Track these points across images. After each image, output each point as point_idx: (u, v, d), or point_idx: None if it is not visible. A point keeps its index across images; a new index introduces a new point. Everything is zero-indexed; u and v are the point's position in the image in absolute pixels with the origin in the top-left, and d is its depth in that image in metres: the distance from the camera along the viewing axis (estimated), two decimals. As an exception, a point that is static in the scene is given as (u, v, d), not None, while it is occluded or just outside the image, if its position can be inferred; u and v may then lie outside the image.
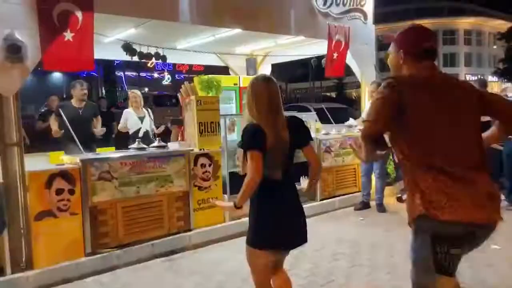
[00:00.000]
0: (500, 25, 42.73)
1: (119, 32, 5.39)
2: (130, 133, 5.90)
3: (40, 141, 7.26)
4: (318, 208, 5.61)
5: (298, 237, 2.33)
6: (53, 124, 5.34)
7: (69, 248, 3.71)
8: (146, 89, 25.52)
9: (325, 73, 6.04)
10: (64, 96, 21.00)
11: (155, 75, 26.54)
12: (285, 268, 2.50)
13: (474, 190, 1.77)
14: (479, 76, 44.20)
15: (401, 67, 1.99)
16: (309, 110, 10.49)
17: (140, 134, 5.71)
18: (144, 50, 5.29)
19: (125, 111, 6.05)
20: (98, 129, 5.51)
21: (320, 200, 5.73)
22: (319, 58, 6.29)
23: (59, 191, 3.67)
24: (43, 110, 8.05)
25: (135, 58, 5.14)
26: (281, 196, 2.26)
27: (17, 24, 3.44)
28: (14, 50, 3.40)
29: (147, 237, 4.15)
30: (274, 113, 2.24)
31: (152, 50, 5.49)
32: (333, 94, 35.79)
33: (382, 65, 5.62)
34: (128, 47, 4.93)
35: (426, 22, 43.06)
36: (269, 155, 2.19)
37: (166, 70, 24.42)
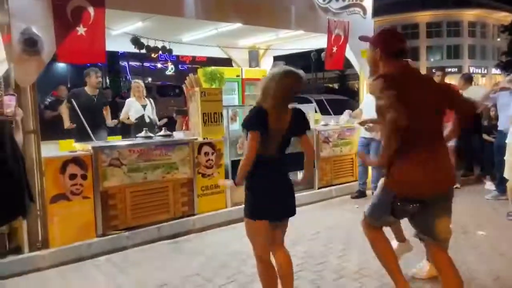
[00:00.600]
0: (504, 17, 42.48)
1: (126, 26, 5.60)
2: (133, 120, 6.12)
3: (48, 129, 7.49)
4: (316, 196, 5.86)
5: (289, 209, 2.59)
6: (64, 113, 5.57)
7: (82, 229, 3.99)
8: (150, 79, 25.69)
9: (324, 66, 6.24)
10: (69, 85, 21.28)
11: (159, 65, 26.68)
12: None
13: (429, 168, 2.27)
14: (482, 69, 44.20)
15: (377, 63, 2.37)
16: (309, 101, 10.68)
17: (147, 120, 5.96)
18: (151, 43, 5.50)
19: (128, 100, 6.27)
20: (109, 121, 5.75)
21: (318, 189, 5.98)
22: (318, 51, 6.48)
23: (72, 176, 3.93)
24: (50, 100, 8.23)
25: (143, 51, 5.35)
26: (274, 171, 2.52)
27: (34, 19, 3.66)
28: (31, 44, 3.63)
29: (154, 221, 4.42)
30: (284, 102, 2.50)
31: (159, 44, 5.69)
32: (336, 86, 35.88)
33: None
34: (136, 41, 5.16)
35: (430, 14, 43.08)
36: (269, 134, 2.45)
37: (169, 61, 24.53)
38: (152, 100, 6.47)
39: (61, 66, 26.51)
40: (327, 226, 4.69)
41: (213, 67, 5.82)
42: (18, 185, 2.63)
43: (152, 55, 6.68)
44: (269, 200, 2.50)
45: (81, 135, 4.97)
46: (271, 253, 2.62)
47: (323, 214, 5.31)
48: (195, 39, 6.74)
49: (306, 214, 5.25)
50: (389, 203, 2.44)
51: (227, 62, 8.72)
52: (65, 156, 3.94)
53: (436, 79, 6.63)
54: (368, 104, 5.48)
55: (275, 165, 2.53)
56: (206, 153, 4.90)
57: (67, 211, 3.91)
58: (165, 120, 6.62)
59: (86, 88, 5.59)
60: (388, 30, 2.47)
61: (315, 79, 34.25)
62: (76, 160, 3.95)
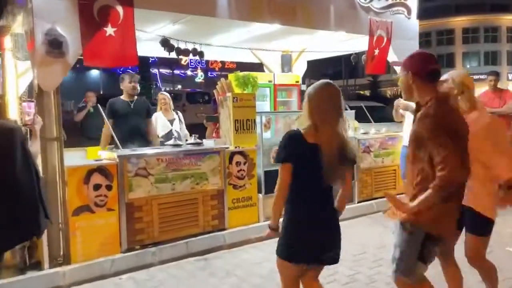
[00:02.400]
0: (545, 22, 40.48)
1: (157, 28, 5.37)
2: (160, 137, 5.56)
3: (77, 136, 7.42)
4: (356, 211, 5.40)
5: (326, 254, 2.24)
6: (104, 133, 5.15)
7: (105, 244, 3.71)
8: (179, 86, 25.89)
9: (365, 71, 5.81)
10: (101, 92, 21.69)
11: (188, 72, 26.84)
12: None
13: None
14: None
15: (410, 87, 2.22)
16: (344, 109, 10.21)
17: (174, 135, 5.57)
18: (182, 46, 5.22)
19: (154, 114, 5.63)
20: (153, 134, 5.14)
21: (358, 202, 5.52)
22: (358, 54, 6.06)
23: (96, 187, 3.67)
24: (80, 106, 8.20)
25: (173, 54, 5.07)
26: (313, 208, 2.18)
27: (58, 19, 3.45)
28: (56, 45, 3.41)
29: (182, 235, 4.11)
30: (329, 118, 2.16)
31: (189, 46, 5.41)
32: (367, 93, 34.98)
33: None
34: (166, 42, 4.88)
35: (466, 19, 41.62)
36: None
37: (199, 68, 24.62)
38: (180, 114, 5.95)
39: (94, 72, 27.18)
40: (372, 245, 4.23)
41: (245, 72, 5.51)
42: (30, 202, 2.36)
43: (182, 61, 6.42)
44: (301, 242, 2.20)
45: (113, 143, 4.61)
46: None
47: (366, 231, 4.85)
48: (227, 42, 6.48)
49: (347, 231, 4.73)
50: (419, 246, 2.18)
51: (258, 67, 8.41)
52: (89, 165, 3.68)
53: (489, 84, 6.08)
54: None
55: (317, 198, 2.20)
56: (238, 163, 4.56)
57: (90, 224, 3.64)
58: (196, 137, 5.17)
59: (122, 96, 5.02)
60: (419, 53, 2.35)
61: (346, 86, 33.57)
62: (100, 170, 3.69)
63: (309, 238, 2.17)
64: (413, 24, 6.15)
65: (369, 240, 4.43)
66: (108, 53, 3.64)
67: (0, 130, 2.32)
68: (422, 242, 2.17)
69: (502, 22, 42.64)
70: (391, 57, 5.91)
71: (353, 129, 5.68)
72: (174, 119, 5.76)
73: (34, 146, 2.64)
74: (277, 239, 2.29)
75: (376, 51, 5.61)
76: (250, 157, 4.63)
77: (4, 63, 5.33)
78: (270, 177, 4.74)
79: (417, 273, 2.24)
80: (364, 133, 5.93)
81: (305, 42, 6.99)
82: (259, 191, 4.74)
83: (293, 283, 2.31)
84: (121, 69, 27.12)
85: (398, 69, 2.48)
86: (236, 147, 4.60)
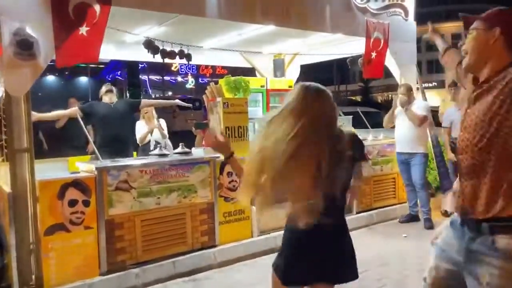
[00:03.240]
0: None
1: (141, 31, 5.06)
2: (139, 146, 5.47)
3: (59, 145, 7.04)
4: (355, 222, 5.09)
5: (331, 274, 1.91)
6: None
7: (83, 266, 3.35)
8: (170, 93, 25.52)
9: (363, 75, 5.54)
10: (90, 99, 21.20)
11: (179, 78, 26.53)
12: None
13: None
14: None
15: (488, 50, 1.58)
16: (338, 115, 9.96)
17: (151, 147, 5.28)
18: (168, 48, 4.89)
19: (137, 123, 5.55)
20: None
21: (357, 213, 5.22)
22: (354, 58, 5.81)
23: (72, 203, 3.32)
24: (64, 112, 7.82)
25: (158, 57, 4.75)
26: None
27: (29, 18, 3.11)
28: (25, 46, 3.07)
29: (168, 254, 3.76)
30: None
31: (176, 48, 5.10)
32: (358, 98, 34.92)
33: (428, 66, 5.09)
34: (150, 44, 4.56)
35: (457, 25, 41.76)
36: None
37: (190, 74, 24.35)
38: (162, 122, 5.71)
39: (82, 79, 26.69)
40: (375, 262, 3.92)
41: (237, 76, 5.21)
42: None
43: (173, 68, 6.16)
44: (297, 262, 1.92)
45: (104, 152, 4.30)
46: None
47: (367, 245, 4.53)
48: (217, 45, 6.19)
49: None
50: None
51: (250, 72, 8.13)
52: (63, 179, 3.32)
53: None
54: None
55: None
56: (230, 173, 4.23)
57: (65, 244, 3.28)
58: (183, 145, 4.59)
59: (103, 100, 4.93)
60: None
61: (337, 92, 33.44)
62: (76, 183, 3.34)
63: (307, 257, 1.89)
64: (411, 26, 5.92)
65: (370, 255, 4.12)
66: (76, 53, 3.33)
67: None
68: None
69: None
70: (388, 60, 5.67)
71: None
72: (153, 129, 5.47)
73: None
74: (273, 255, 2.05)
75: (373, 54, 5.35)
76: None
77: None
78: (264, 188, 4.44)
79: None
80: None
81: (298, 46, 6.74)
82: (253, 203, 4.41)
83: None
84: (110, 76, 26.79)
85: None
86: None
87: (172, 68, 23.14)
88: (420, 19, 5.99)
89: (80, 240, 3.35)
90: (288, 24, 4.69)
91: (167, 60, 5.03)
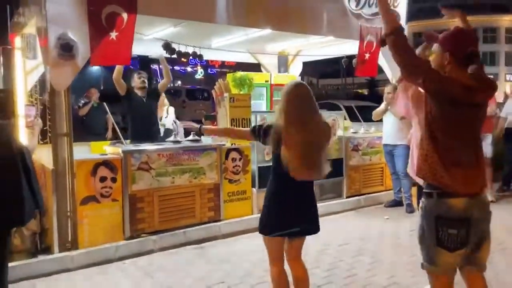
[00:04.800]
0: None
1: (158, 31, 5.67)
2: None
3: (80, 131, 7.70)
4: (344, 205, 5.74)
5: (302, 225, 2.46)
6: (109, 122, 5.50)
7: (110, 231, 4.04)
8: (179, 83, 26.04)
9: (355, 73, 6.12)
10: (102, 88, 21.80)
11: (188, 69, 26.97)
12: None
13: None
14: (519, 77, 42.50)
15: (444, 67, 2.08)
16: (339, 108, 10.52)
17: (161, 134, 5.80)
18: (183, 49, 5.52)
19: None
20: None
21: (346, 197, 5.85)
22: (350, 57, 6.36)
23: (102, 179, 3.99)
24: (83, 102, 8.48)
25: (174, 57, 5.38)
26: (288, 184, 2.41)
27: (70, 25, 3.75)
28: (67, 48, 3.72)
29: (180, 225, 4.43)
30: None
31: (189, 49, 5.72)
32: (365, 91, 35.30)
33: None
34: (168, 46, 5.20)
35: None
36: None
37: (199, 65, 24.79)
38: (172, 109, 6.35)
39: (94, 69, 27.29)
40: (355, 237, 4.57)
41: (242, 73, 5.81)
42: (10, 193, 2.51)
43: (183, 59, 6.72)
44: (276, 215, 2.47)
45: (132, 137, 4.97)
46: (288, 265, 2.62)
47: (351, 224, 5.19)
48: (225, 44, 6.76)
49: (334, 223, 5.16)
50: (433, 230, 2.08)
51: (256, 67, 8.70)
52: (96, 159, 4.01)
53: None
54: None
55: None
56: (234, 159, 4.88)
57: (96, 213, 3.97)
58: (194, 134, 4.96)
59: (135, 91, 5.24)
60: (460, 32, 2.15)
61: (344, 85, 33.81)
62: (106, 163, 4.02)
63: (284, 210, 2.43)
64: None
65: (353, 232, 4.77)
66: (108, 55, 3.95)
67: None
68: (435, 226, 2.05)
69: (501, 23, 42.90)
70: (382, 60, 6.22)
71: (343, 129, 6.01)
72: (163, 116, 6.10)
73: (31, 144, 2.90)
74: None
75: (367, 55, 5.92)
76: (245, 154, 4.95)
77: (13, 61, 5.64)
78: (264, 172, 5.07)
79: (442, 262, 2.09)
80: (354, 132, 6.26)
81: (300, 45, 7.28)
82: (253, 186, 5.07)
83: (277, 260, 2.54)
84: (124, 67, 27.28)
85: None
86: (232, 144, 4.91)
87: (182, 59, 23.55)
88: (427, 13, 6.46)
89: (108, 210, 4.03)
90: (288, 28, 5.27)
91: (182, 60, 5.65)
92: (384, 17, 2.09)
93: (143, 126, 5.00)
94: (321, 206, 5.52)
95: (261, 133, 2.51)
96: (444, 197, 2.05)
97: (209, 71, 26.81)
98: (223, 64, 24.79)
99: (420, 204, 2.18)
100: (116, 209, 4.08)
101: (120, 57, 4.03)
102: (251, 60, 8.24)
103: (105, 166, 4.00)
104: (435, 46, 2.16)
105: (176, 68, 29.68)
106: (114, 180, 4.05)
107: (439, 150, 2.05)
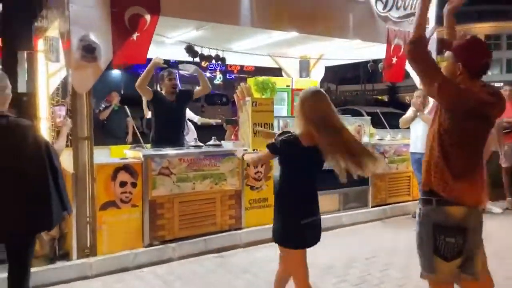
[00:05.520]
0: None
1: (180, 34, 5.60)
2: None
3: (100, 134, 7.69)
4: (369, 215, 5.52)
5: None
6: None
7: (129, 238, 3.93)
8: (197, 87, 26.14)
9: (383, 78, 5.91)
10: (122, 92, 22.00)
11: (207, 74, 27.08)
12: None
13: None
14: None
15: (456, 77, 2.10)
16: (361, 114, 10.27)
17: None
18: (205, 52, 5.42)
19: None
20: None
21: (372, 207, 5.64)
22: (376, 62, 6.17)
23: (122, 184, 3.90)
24: (104, 106, 8.51)
25: (197, 60, 5.28)
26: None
27: (92, 27, 3.69)
28: (89, 50, 3.66)
29: (201, 232, 4.30)
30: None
31: (211, 52, 5.62)
32: (385, 98, 34.77)
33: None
34: (190, 49, 5.10)
35: (489, 25, 40.81)
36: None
37: (218, 70, 24.85)
38: (189, 112, 6.19)
39: (115, 72, 27.64)
40: (383, 250, 4.35)
41: (264, 77, 5.68)
42: (40, 195, 2.41)
43: (203, 63, 6.65)
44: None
45: (155, 142, 4.79)
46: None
47: (377, 236, 4.97)
48: (246, 48, 6.67)
49: (359, 234, 4.96)
50: (431, 237, 2.12)
51: (277, 71, 8.56)
52: (116, 163, 3.92)
53: (505, 94, 6.11)
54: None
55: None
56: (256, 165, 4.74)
57: (115, 219, 3.88)
58: (215, 138, 4.93)
59: (164, 94, 4.94)
60: (474, 42, 2.16)
61: (363, 91, 33.38)
62: (127, 168, 3.92)
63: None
64: (430, 33, 6.22)
65: (380, 244, 4.55)
66: (127, 54, 3.87)
67: (11, 126, 2.41)
68: (433, 233, 2.08)
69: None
70: (408, 65, 6.00)
71: (368, 135, 5.80)
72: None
73: (59, 144, 2.78)
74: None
75: (394, 60, 5.72)
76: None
77: (36, 64, 5.65)
78: (286, 179, 4.92)
79: (439, 270, 2.11)
80: (380, 139, 6.04)
81: (323, 48, 7.12)
82: (275, 192, 4.89)
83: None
84: (142, 70, 27.57)
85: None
86: (254, 150, 4.77)
87: (202, 64, 23.66)
88: (441, 20, 6.25)
89: (127, 216, 3.93)
90: (314, 31, 5.12)
91: (204, 63, 5.55)
92: (418, 19, 2.10)
93: (168, 131, 4.78)
94: (345, 216, 5.43)
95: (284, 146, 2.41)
96: (443, 204, 2.09)
97: (227, 76, 26.86)
98: (241, 70, 24.79)
99: (418, 211, 2.21)
100: (136, 215, 3.98)
101: (138, 56, 3.96)
102: (272, 64, 8.11)
103: (125, 170, 3.91)
104: (448, 54, 2.18)
105: (196, 74, 29.89)
106: (134, 185, 3.95)
107: (450, 161, 2.07)
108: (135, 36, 3.93)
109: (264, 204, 4.79)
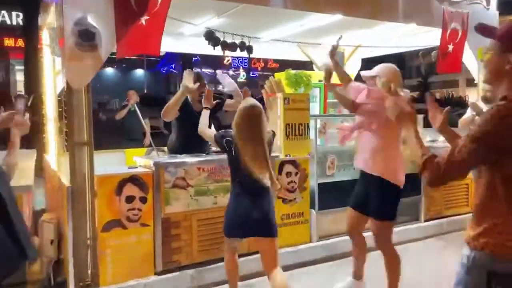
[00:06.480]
0: None
1: (200, 23, 4.92)
2: None
3: (117, 136, 7.16)
4: (422, 231, 4.68)
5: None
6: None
7: (138, 264, 3.25)
8: (220, 87, 25.69)
9: (436, 69, 5.05)
10: (145, 91, 21.78)
11: (230, 72, 26.63)
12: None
13: None
14: None
15: (503, 75, 1.53)
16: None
17: None
18: (228, 39, 4.68)
19: None
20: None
21: (425, 221, 4.78)
22: (429, 50, 5.32)
23: (129, 199, 3.22)
24: (123, 104, 8.05)
25: (218, 49, 4.56)
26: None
27: (91, 7, 3.01)
28: (87, 37, 2.98)
29: (223, 257, 3.58)
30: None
31: (236, 40, 4.89)
32: (415, 95, 33.23)
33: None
34: (210, 35, 4.37)
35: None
36: None
37: (241, 68, 24.30)
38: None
39: (138, 72, 27.55)
40: (440, 273, 3.52)
41: (297, 70, 4.94)
42: None
43: (225, 61, 6.00)
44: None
45: (173, 149, 4.05)
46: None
47: (433, 255, 4.15)
48: (275, 38, 5.97)
49: (411, 253, 4.14)
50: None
51: (305, 65, 7.79)
52: (121, 174, 3.23)
53: None
54: None
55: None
56: (289, 174, 3.99)
57: (122, 242, 3.20)
58: None
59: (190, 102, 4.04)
60: None
61: (392, 87, 31.97)
62: (134, 179, 3.23)
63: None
64: (492, 16, 5.31)
65: (437, 266, 3.74)
66: (135, 42, 3.19)
67: None
68: (486, 284, 1.53)
69: None
70: (466, 54, 5.11)
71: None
72: None
73: (10, 157, 2.02)
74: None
75: (450, 47, 4.84)
76: (303, 167, 4.05)
77: (42, 60, 5.08)
78: (325, 190, 4.15)
79: None
80: (431, 141, 5.16)
81: (361, 38, 6.32)
82: (312, 206, 4.14)
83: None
84: (165, 69, 27.33)
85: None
86: (286, 155, 4.03)
87: (225, 62, 23.22)
88: (505, 8, 5.38)
89: (136, 237, 3.25)
90: (358, 13, 4.32)
91: (227, 53, 4.82)
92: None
93: (190, 141, 3.85)
94: (395, 232, 4.61)
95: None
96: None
97: (251, 74, 26.28)
98: (266, 67, 24.14)
99: (464, 255, 1.63)
100: (146, 236, 3.29)
101: (149, 45, 3.26)
102: (300, 57, 7.36)
103: (132, 182, 3.22)
104: (491, 44, 1.62)
105: (219, 71, 29.46)
106: (143, 200, 3.26)
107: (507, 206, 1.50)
108: (143, 19, 3.24)
109: (299, 220, 4.04)
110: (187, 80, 3.62)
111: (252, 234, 2.76)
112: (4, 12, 16.79)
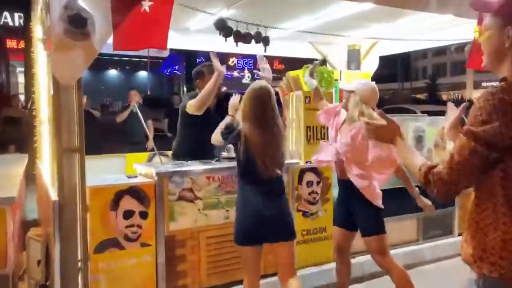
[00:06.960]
0: None
1: (207, 16, 4.47)
2: None
3: (118, 140, 6.77)
4: (456, 247, 4.16)
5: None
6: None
7: (138, 291, 2.78)
8: (224, 88, 25.37)
9: (466, 64, 4.57)
10: (148, 92, 21.45)
11: (235, 73, 26.26)
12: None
13: None
14: None
15: (503, 53, 1.36)
16: (412, 112, 8.92)
17: None
18: (242, 29, 4.16)
19: None
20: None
21: (459, 235, 4.29)
22: (461, 45, 4.88)
23: (128, 214, 2.76)
24: (124, 105, 7.70)
25: (230, 40, 4.08)
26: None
27: (82, -12, 2.55)
28: (78, 23, 2.51)
29: (237, 279, 3.11)
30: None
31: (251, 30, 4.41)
32: (423, 96, 32.73)
33: None
34: (222, 24, 3.89)
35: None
36: None
37: (246, 69, 23.95)
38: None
39: (141, 73, 27.28)
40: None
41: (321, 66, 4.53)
42: None
43: (230, 62, 5.61)
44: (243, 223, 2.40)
45: (180, 154, 3.57)
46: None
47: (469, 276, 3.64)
48: (285, 35, 5.59)
49: (446, 273, 3.68)
50: None
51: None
52: (117, 186, 2.76)
53: None
54: None
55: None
56: (310, 183, 3.52)
57: (118, 265, 2.74)
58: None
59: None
60: None
61: (400, 90, 31.51)
62: (133, 191, 2.77)
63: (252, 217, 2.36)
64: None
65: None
66: (136, 34, 2.71)
67: None
68: None
69: None
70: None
71: (432, 140, 4.49)
72: None
73: None
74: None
75: (484, 41, 4.36)
76: (325, 176, 3.57)
77: (33, 55, 4.66)
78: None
79: None
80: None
81: (381, 33, 5.89)
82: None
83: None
84: (168, 70, 26.99)
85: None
86: (307, 162, 3.56)
87: (229, 63, 22.88)
88: None
89: (135, 259, 2.79)
90: (388, 1, 3.85)
91: (240, 45, 4.34)
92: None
93: (200, 145, 3.42)
94: (426, 249, 4.15)
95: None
96: None
97: (256, 76, 25.89)
98: (271, 67, 23.74)
99: (470, 281, 1.42)
100: (147, 258, 2.83)
101: (154, 37, 2.78)
102: (313, 55, 6.92)
103: (131, 195, 2.76)
104: (488, 21, 1.42)
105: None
106: (144, 215, 2.80)
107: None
108: (147, 5, 2.77)
109: (321, 236, 3.57)
110: (217, 62, 3.22)
111: (274, 239, 2.38)
112: (6, 13, 16.52)
